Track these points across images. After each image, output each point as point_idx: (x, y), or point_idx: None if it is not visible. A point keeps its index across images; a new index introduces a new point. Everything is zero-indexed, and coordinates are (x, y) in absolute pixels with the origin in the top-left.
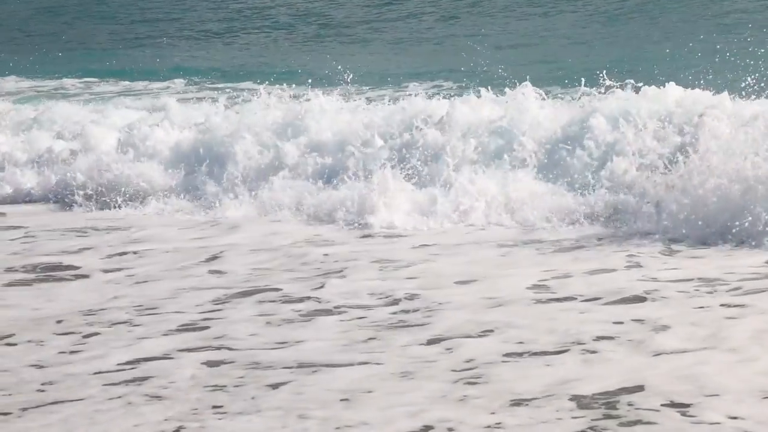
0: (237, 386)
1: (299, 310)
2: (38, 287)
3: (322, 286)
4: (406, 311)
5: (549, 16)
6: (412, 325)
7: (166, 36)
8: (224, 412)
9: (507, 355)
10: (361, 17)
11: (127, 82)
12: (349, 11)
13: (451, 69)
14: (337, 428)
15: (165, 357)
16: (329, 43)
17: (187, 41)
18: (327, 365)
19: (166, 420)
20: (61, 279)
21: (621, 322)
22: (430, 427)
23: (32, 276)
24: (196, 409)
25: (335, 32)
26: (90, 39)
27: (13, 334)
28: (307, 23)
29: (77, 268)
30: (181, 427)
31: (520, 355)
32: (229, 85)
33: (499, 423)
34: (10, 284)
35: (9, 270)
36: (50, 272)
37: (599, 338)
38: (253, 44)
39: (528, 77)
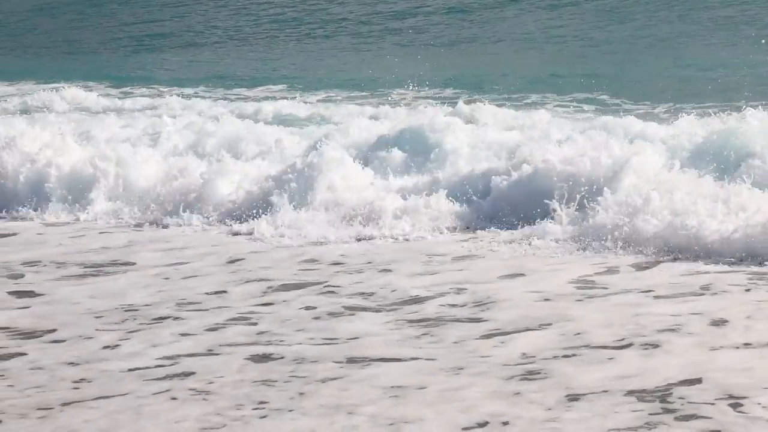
0: (284, 381)
1: (345, 305)
2: (86, 282)
3: (367, 281)
4: (456, 305)
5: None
6: (464, 320)
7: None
8: (270, 408)
9: (563, 348)
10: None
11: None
12: None
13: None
14: (391, 424)
15: (209, 353)
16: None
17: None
18: (376, 360)
19: (209, 415)
20: (109, 273)
21: (678, 315)
22: (485, 423)
23: (81, 271)
24: (241, 405)
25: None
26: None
27: (56, 329)
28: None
29: (128, 263)
30: (223, 424)
31: (577, 348)
32: None
33: (555, 418)
34: (61, 278)
35: (60, 265)
36: (99, 267)
37: (658, 331)
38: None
39: None
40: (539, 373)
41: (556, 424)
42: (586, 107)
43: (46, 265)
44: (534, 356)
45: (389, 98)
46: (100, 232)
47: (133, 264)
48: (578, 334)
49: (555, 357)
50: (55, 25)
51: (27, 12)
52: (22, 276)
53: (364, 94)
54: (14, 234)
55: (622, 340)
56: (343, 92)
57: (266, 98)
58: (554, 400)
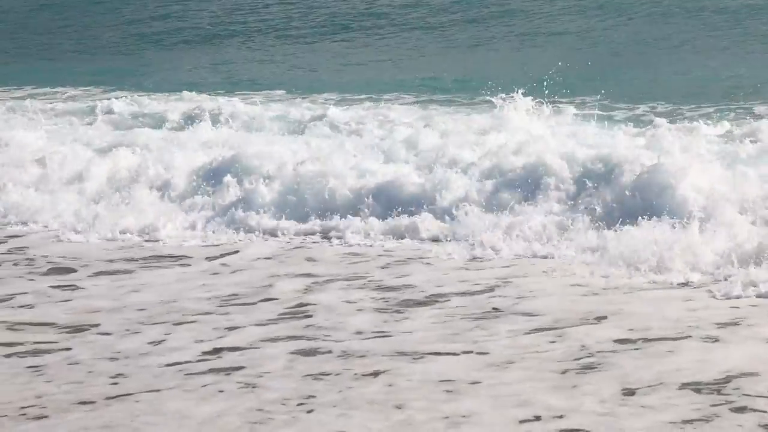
0: (332, 375)
1: (393, 299)
2: (133, 276)
3: (411, 274)
4: (503, 298)
5: None
6: (514, 314)
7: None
8: (318, 403)
9: (617, 342)
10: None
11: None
12: None
13: None
14: (446, 418)
15: (254, 346)
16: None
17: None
18: (427, 354)
19: (255, 411)
20: (156, 268)
21: (737, 308)
22: (539, 417)
23: (129, 266)
24: (289, 398)
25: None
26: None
27: (99, 324)
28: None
29: (176, 257)
30: (271, 418)
31: (633, 342)
32: None
33: (611, 411)
34: (106, 272)
35: (108, 260)
36: (146, 261)
37: (714, 325)
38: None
39: None
40: (595, 366)
41: (612, 418)
42: None
43: None
44: (589, 349)
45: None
46: None
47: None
48: (633, 328)
49: (611, 350)
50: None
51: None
52: None
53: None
54: None
55: (680, 332)
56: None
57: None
58: (610, 393)
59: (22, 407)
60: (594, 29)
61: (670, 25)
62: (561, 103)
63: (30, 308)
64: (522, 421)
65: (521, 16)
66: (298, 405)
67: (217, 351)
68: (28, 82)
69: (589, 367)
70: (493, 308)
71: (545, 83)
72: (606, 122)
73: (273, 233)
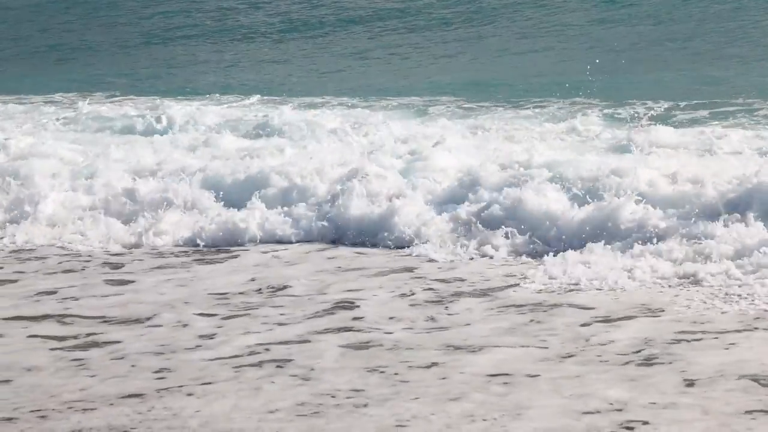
0: (385, 368)
1: (443, 291)
2: (186, 270)
3: (457, 267)
4: (552, 292)
5: None
6: (568, 306)
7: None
8: (374, 395)
9: (677, 333)
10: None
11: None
12: None
13: None
14: (504, 410)
15: (306, 340)
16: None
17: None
18: (481, 347)
19: (310, 403)
20: (208, 262)
21: None
22: (599, 410)
23: (179, 260)
24: (342, 391)
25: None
26: None
27: (154, 316)
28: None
29: (226, 251)
30: (325, 411)
31: (693, 333)
32: None
33: (672, 403)
34: (159, 267)
35: (159, 255)
36: (198, 255)
37: None
38: None
39: None
40: (655, 358)
41: (672, 410)
42: None
43: None
44: (649, 342)
45: None
46: None
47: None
48: (694, 320)
49: (672, 342)
50: None
51: None
52: None
53: None
54: None
55: (740, 322)
56: None
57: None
58: (670, 385)
59: (67, 401)
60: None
61: None
62: None
63: (77, 300)
64: (582, 414)
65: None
66: (353, 398)
67: (266, 344)
68: None
69: (649, 360)
70: (546, 301)
71: None
72: None
73: None
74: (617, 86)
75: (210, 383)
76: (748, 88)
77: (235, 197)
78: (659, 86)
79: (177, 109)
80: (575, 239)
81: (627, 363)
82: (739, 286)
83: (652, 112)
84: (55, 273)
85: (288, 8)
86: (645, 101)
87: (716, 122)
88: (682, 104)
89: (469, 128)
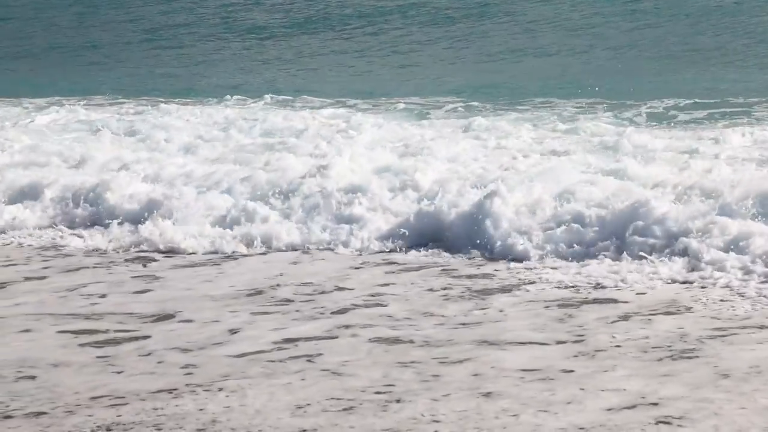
0: (417, 363)
1: (472, 287)
2: (213, 266)
3: (486, 264)
4: (581, 288)
5: None
6: (600, 302)
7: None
8: (407, 390)
9: (711, 329)
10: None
11: None
12: None
13: None
14: (539, 405)
15: (335, 336)
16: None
17: None
18: (512, 343)
19: (342, 399)
20: (233, 258)
21: None
22: (634, 405)
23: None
24: (375, 386)
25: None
26: None
27: (181, 312)
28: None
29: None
30: (359, 405)
31: (726, 329)
32: None
33: (708, 398)
34: (186, 265)
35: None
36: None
37: None
38: None
39: None
40: (689, 353)
41: (707, 404)
42: None
43: None
44: (683, 337)
45: None
46: None
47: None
48: (728, 316)
49: (706, 337)
50: None
51: None
52: None
53: None
54: None
55: None
56: None
57: None
58: (706, 380)
59: (94, 396)
60: None
61: None
62: None
63: (106, 297)
64: (620, 409)
65: None
66: (386, 393)
67: (294, 340)
68: None
69: (683, 355)
70: (575, 297)
71: None
72: None
73: None
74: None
75: (239, 379)
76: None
77: None
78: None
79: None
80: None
81: (661, 358)
82: None
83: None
84: (81, 269)
85: (299, 6)
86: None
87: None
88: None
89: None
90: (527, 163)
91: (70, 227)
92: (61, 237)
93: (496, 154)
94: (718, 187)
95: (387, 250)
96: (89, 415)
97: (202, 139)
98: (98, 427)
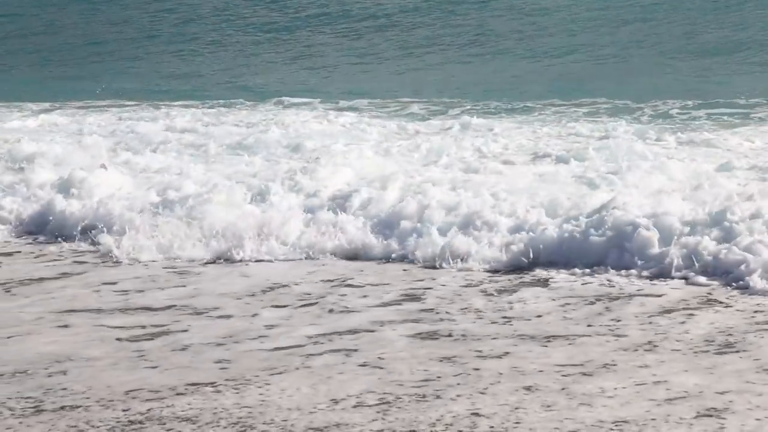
0: (456, 357)
1: (507, 282)
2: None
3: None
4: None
5: None
6: (638, 295)
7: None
8: (447, 384)
9: (752, 324)
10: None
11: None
12: None
13: None
14: (580, 399)
15: (373, 330)
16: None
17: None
18: (552, 337)
19: (383, 392)
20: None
21: None
22: (678, 398)
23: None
24: (415, 380)
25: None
26: None
27: (217, 307)
28: None
29: None
30: (399, 398)
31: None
32: None
33: (750, 390)
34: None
35: None
36: None
37: None
38: None
39: None
40: (731, 346)
41: (750, 396)
42: None
43: None
44: (724, 330)
45: None
46: None
47: None
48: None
49: (746, 332)
50: None
51: None
52: None
53: None
54: None
55: None
56: None
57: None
58: (748, 372)
59: (129, 390)
60: None
61: None
62: None
63: (141, 292)
64: (663, 401)
65: None
66: (426, 387)
67: (332, 334)
68: None
69: (725, 348)
70: (614, 292)
71: None
72: None
73: None
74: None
75: (275, 373)
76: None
77: None
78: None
79: None
80: None
81: (703, 352)
82: None
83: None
84: (118, 265)
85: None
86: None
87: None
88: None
89: None
90: None
91: None
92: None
93: None
94: None
95: None
96: (123, 410)
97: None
98: (130, 422)
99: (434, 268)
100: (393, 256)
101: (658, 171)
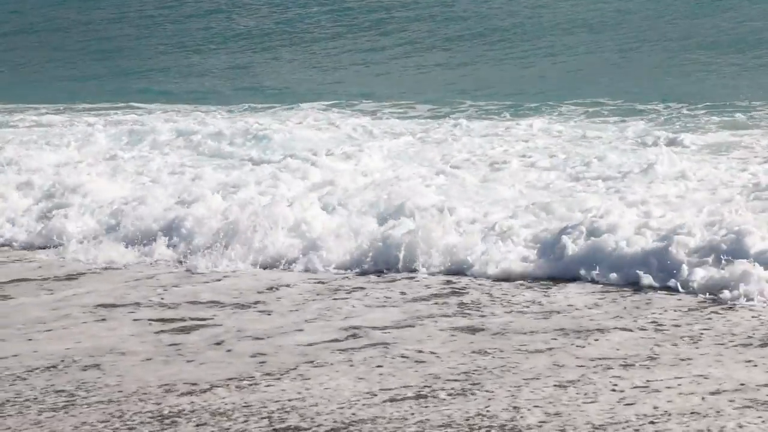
0: (495, 351)
1: (542, 276)
2: None
3: None
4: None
5: None
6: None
7: None
8: (486, 378)
9: None
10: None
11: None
12: None
13: None
14: (622, 398)
15: (410, 325)
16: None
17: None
18: (591, 331)
19: (422, 386)
20: None
21: None
22: (718, 391)
23: None
24: (454, 374)
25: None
26: None
27: (255, 302)
28: None
29: None
30: (439, 391)
31: None
32: None
33: None
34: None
35: None
36: None
37: None
38: None
39: None
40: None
41: None
42: None
43: None
44: (761, 323)
45: None
46: None
47: None
48: None
49: None
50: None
51: None
52: None
53: None
54: None
55: None
56: None
57: None
58: None
59: (166, 384)
60: None
61: None
62: None
63: (178, 287)
64: (707, 394)
65: None
66: (464, 380)
67: (370, 327)
68: None
69: (765, 341)
70: (648, 284)
71: None
72: None
73: None
74: None
75: (311, 367)
76: None
77: None
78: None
79: None
80: None
81: (744, 345)
82: None
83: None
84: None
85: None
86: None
87: None
88: None
89: None
90: None
91: None
92: None
93: None
94: None
95: None
96: (157, 403)
97: None
98: (163, 416)
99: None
100: None
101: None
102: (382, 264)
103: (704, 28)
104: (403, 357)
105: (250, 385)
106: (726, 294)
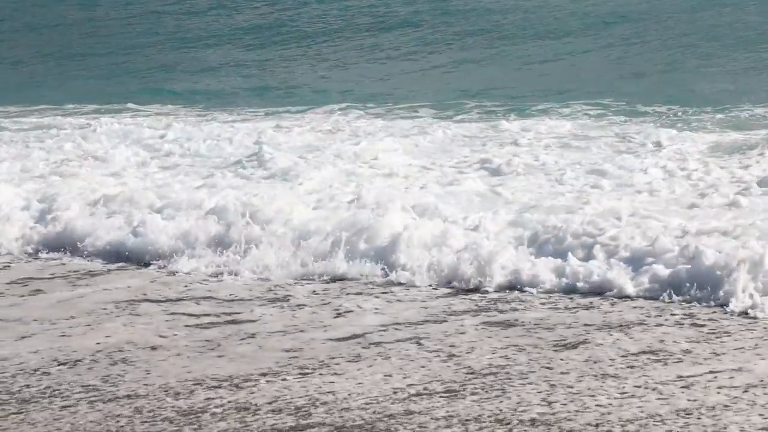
0: (528, 346)
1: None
2: None
3: None
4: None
5: None
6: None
7: None
8: (521, 372)
9: None
10: None
11: None
12: None
13: None
14: (659, 386)
15: (439, 320)
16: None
17: None
18: (623, 326)
19: (453, 381)
20: None
21: None
22: (754, 385)
23: None
24: (488, 368)
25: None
26: None
27: (288, 297)
28: None
29: None
30: (471, 384)
31: None
32: None
33: None
34: None
35: None
36: None
37: None
38: None
39: None
40: None
41: None
42: None
43: None
44: None
45: None
46: None
47: None
48: None
49: None
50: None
51: None
52: None
53: None
54: None
55: None
56: None
57: None
58: None
59: (195, 378)
60: None
61: None
62: None
63: (205, 282)
64: (744, 386)
65: None
66: (498, 375)
67: (401, 324)
68: None
69: None
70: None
71: None
72: None
73: None
74: None
75: (342, 362)
76: None
77: None
78: None
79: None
80: None
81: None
82: None
83: None
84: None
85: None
86: None
87: None
88: None
89: None
90: None
91: None
92: None
93: None
94: None
95: None
96: (186, 398)
97: None
98: (190, 411)
99: None
100: None
101: None
102: None
103: (705, 26)
104: (433, 352)
105: (278, 380)
106: None
